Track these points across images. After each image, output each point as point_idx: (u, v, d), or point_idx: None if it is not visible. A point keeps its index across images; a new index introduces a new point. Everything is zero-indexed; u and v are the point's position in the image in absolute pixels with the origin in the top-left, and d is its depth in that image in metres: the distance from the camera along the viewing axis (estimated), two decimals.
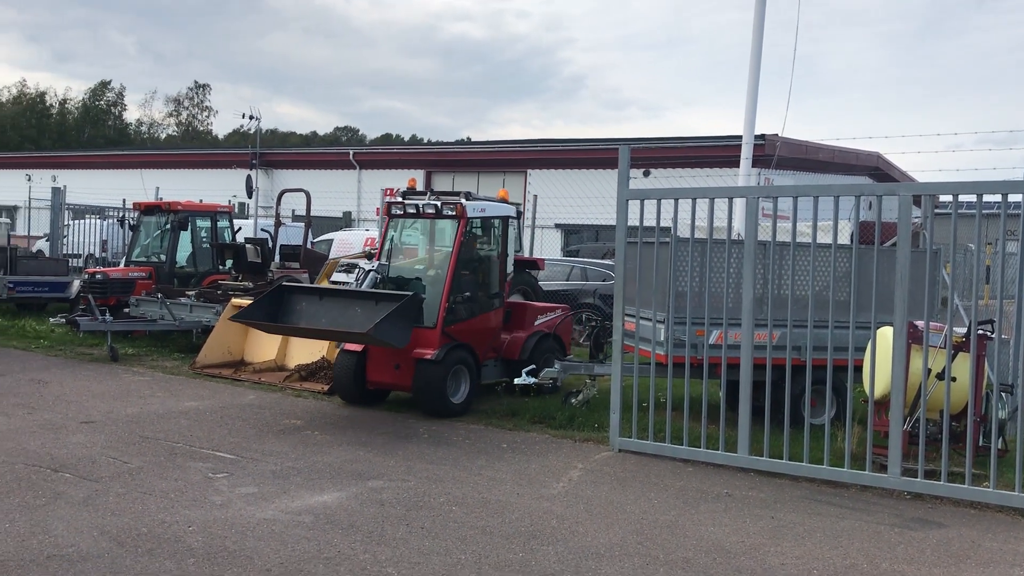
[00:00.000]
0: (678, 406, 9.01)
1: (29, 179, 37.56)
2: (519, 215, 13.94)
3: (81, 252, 21.59)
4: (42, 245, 24.36)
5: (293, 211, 26.58)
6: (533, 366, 10.43)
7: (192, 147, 59.15)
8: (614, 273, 9.07)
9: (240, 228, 19.01)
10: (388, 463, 7.83)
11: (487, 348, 10.62)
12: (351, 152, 37.07)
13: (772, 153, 23.61)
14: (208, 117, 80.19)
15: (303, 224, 18.14)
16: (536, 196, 22.09)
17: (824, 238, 8.95)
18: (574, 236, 28.97)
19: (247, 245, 15.92)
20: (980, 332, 7.62)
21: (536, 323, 11.32)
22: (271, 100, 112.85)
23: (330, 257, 17.22)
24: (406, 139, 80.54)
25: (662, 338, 8.88)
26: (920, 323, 7.58)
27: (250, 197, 24.05)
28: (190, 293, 14.30)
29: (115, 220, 21.09)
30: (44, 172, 40.94)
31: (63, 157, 46.28)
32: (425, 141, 70.06)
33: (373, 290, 9.95)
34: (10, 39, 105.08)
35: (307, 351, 11.93)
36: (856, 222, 7.83)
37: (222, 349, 12.53)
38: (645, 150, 25.70)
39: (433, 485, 7.17)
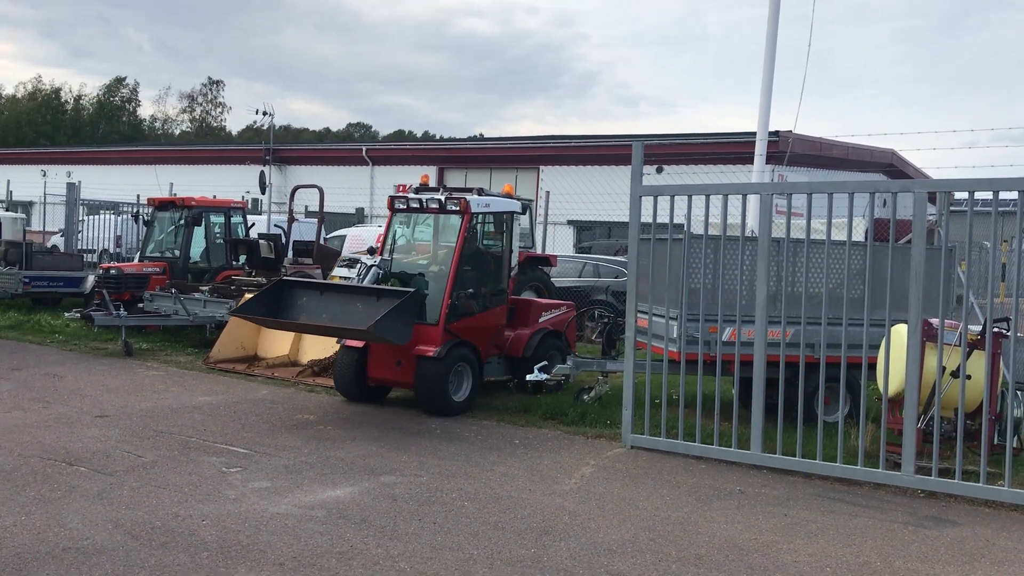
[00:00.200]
0: (691, 403, 9.00)
1: (44, 175, 37.73)
2: (524, 210, 13.84)
3: (96, 247, 21.74)
4: (57, 240, 24.50)
5: (306, 207, 26.65)
6: (545, 362, 10.42)
7: (206, 143, 59.36)
8: (627, 270, 9.06)
9: (253, 224, 19.07)
10: (400, 458, 7.84)
11: (490, 345, 10.50)
12: (364, 148, 37.13)
13: (786, 150, 23.52)
14: (222, 113, 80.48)
15: (316, 220, 18.18)
16: (548, 192, 22.08)
17: (838, 235, 8.91)
18: (586, 233, 28.95)
19: (260, 241, 15.96)
20: (995, 330, 7.58)
21: (540, 320, 11.18)
22: (284, 96, 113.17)
23: (343, 253, 17.27)
24: (418, 135, 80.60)
25: (675, 335, 8.86)
26: (935, 321, 7.54)
27: (263, 193, 24.08)
28: (204, 288, 14.35)
29: (129, 216, 21.20)
30: (59, 168, 41.18)
31: (78, 153, 46.52)
32: (437, 137, 70.16)
33: (375, 286, 9.83)
34: (26, 35, 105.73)
35: (320, 347, 11.94)
36: (871, 219, 7.79)
37: (235, 344, 12.58)
38: (658, 146, 25.65)
39: (445, 480, 7.18)
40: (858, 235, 13.33)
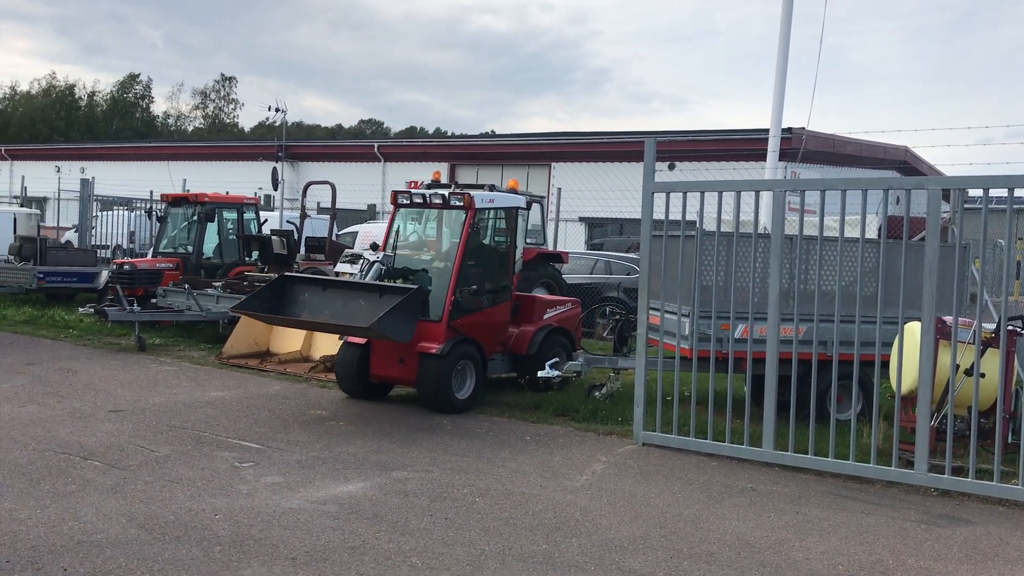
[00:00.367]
0: (702, 400, 8.98)
1: (58, 171, 37.99)
2: (529, 206, 13.73)
3: (109, 243, 21.83)
4: (71, 236, 24.63)
5: (318, 203, 26.70)
6: (557, 359, 10.40)
7: (219, 139, 59.53)
8: (639, 266, 9.04)
9: (266, 220, 19.13)
10: (412, 454, 7.86)
11: (494, 342, 10.37)
12: (376, 145, 37.19)
13: (799, 147, 23.44)
14: (234, 110, 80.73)
15: (328, 216, 18.21)
16: (560, 189, 22.05)
17: (852, 232, 8.88)
18: (598, 230, 28.91)
19: (273, 237, 16.01)
20: (1010, 328, 7.54)
21: (545, 317, 11.05)
22: (297, 93, 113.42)
23: (354, 249, 17.28)
24: (430, 132, 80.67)
25: (687, 332, 8.85)
26: (949, 318, 7.51)
27: (276, 189, 24.14)
28: (217, 284, 14.41)
29: (143, 211, 21.28)
30: (73, 164, 41.39)
31: (92, 149, 46.75)
32: (449, 134, 70.17)
33: (377, 282, 9.72)
34: (41, 32, 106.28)
35: (332, 343, 11.95)
36: (884, 216, 7.76)
37: (248, 340, 12.63)
38: (670, 143, 25.58)
39: (457, 476, 7.20)
40: (871, 232, 13.28)
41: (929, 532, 6.33)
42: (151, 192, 22.56)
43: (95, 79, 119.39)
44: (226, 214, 16.69)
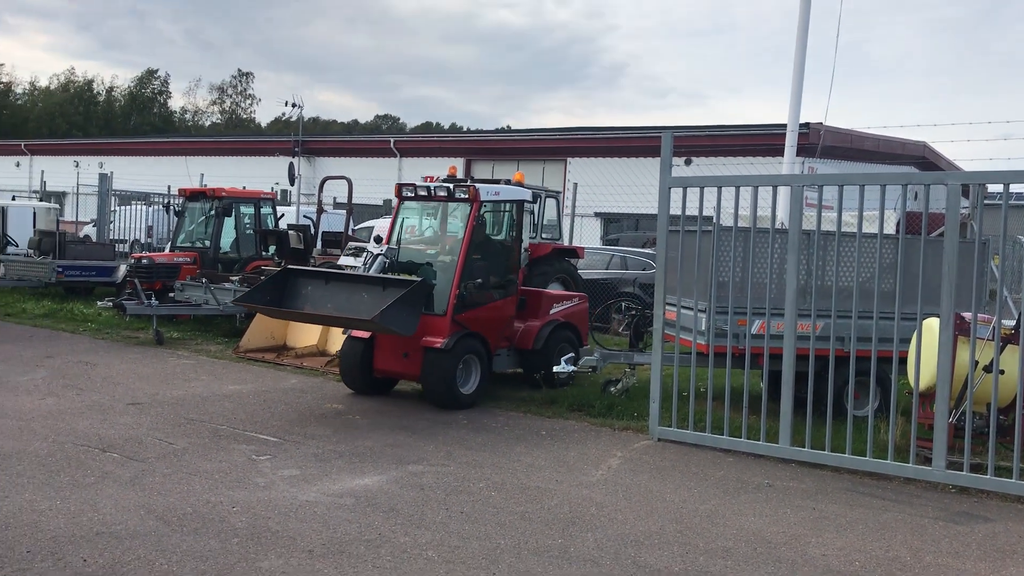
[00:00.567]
0: (718, 396, 8.96)
1: (77, 165, 38.23)
2: (535, 199, 13.64)
3: (127, 237, 21.96)
4: (89, 230, 24.81)
5: (335, 198, 26.81)
6: (572, 354, 10.39)
7: (235, 135, 59.75)
8: (655, 262, 9.02)
9: (283, 215, 19.21)
10: (428, 448, 7.88)
11: (499, 337, 10.23)
12: (392, 140, 37.24)
13: (816, 142, 23.32)
14: (251, 105, 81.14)
15: (344, 211, 18.27)
16: (576, 184, 22.02)
17: (870, 228, 8.83)
18: (613, 225, 28.86)
19: (290, 231, 16.08)
20: None
21: (552, 311, 10.91)
22: (313, 88, 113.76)
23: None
24: (446, 127, 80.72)
25: (703, 327, 8.83)
26: (967, 315, 7.46)
27: (292, 184, 24.25)
28: (234, 278, 14.48)
29: (160, 206, 21.40)
30: (91, 159, 41.67)
31: (110, 144, 47.02)
32: (465, 129, 70.16)
33: (381, 275, 9.60)
34: (61, 27, 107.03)
35: None
36: (903, 211, 7.71)
37: (265, 334, 12.68)
38: (687, 138, 25.50)
39: (472, 470, 7.21)
40: (889, 228, 13.19)
41: (947, 529, 6.30)
42: (169, 187, 22.68)
43: (113, 74, 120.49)
44: (243, 209, 16.77)
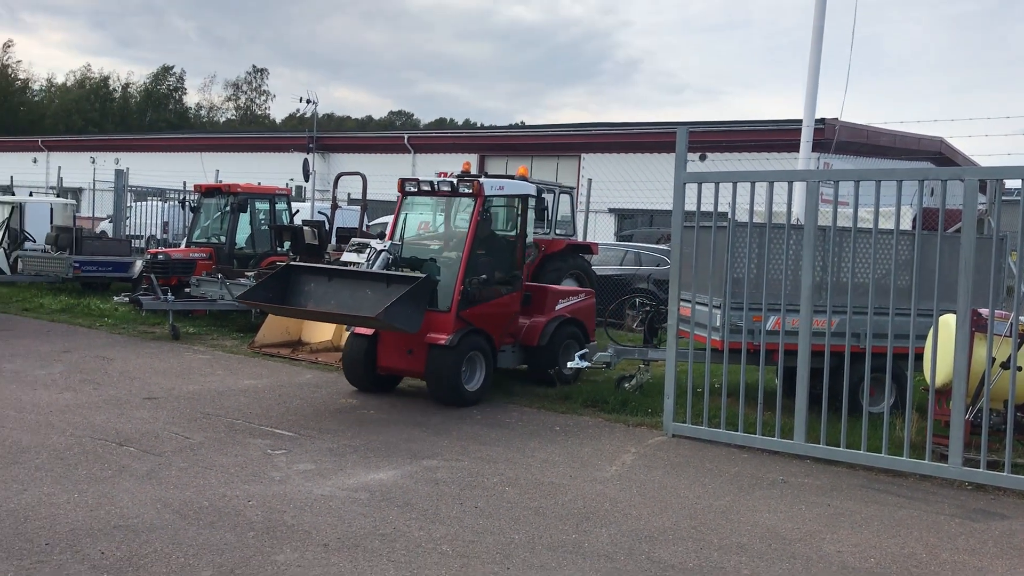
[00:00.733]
0: (733, 392, 8.93)
1: (93, 162, 38.46)
2: (539, 193, 13.54)
3: (143, 233, 22.09)
4: (106, 226, 24.97)
5: (349, 194, 26.83)
6: (586, 350, 10.37)
7: (250, 131, 59.98)
8: (670, 258, 9.00)
9: (298, 211, 19.27)
10: (442, 443, 7.90)
11: (504, 333, 10.10)
12: (406, 136, 37.29)
13: (832, 137, 23.20)
14: (266, 101, 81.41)
15: (359, 207, 18.30)
16: (590, 180, 21.99)
17: (886, 224, 8.78)
18: (628, 221, 28.82)
19: (304, 227, 16.10)
20: None
21: (557, 307, 10.73)
22: (328, 84, 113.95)
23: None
24: (460, 123, 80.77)
25: (718, 323, 8.81)
26: (984, 311, 7.41)
27: (307, 180, 24.30)
28: (249, 274, 14.53)
29: (176, 202, 21.49)
30: (107, 155, 41.90)
31: (126, 140, 47.27)
32: (479, 125, 70.18)
33: (384, 271, 9.46)
34: (76, 25, 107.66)
35: None
36: (919, 207, 7.67)
37: (280, 329, 12.73)
38: (702, 134, 25.41)
39: (486, 465, 7.22)
40: (905, 224, 13.11)
41: (963, 526, 6.27)
42: (184, 183, 22.75)
43: (129, 71, 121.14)
44: (258, 205, 16.83)
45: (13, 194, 25.45)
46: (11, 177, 32.09)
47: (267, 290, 9.45)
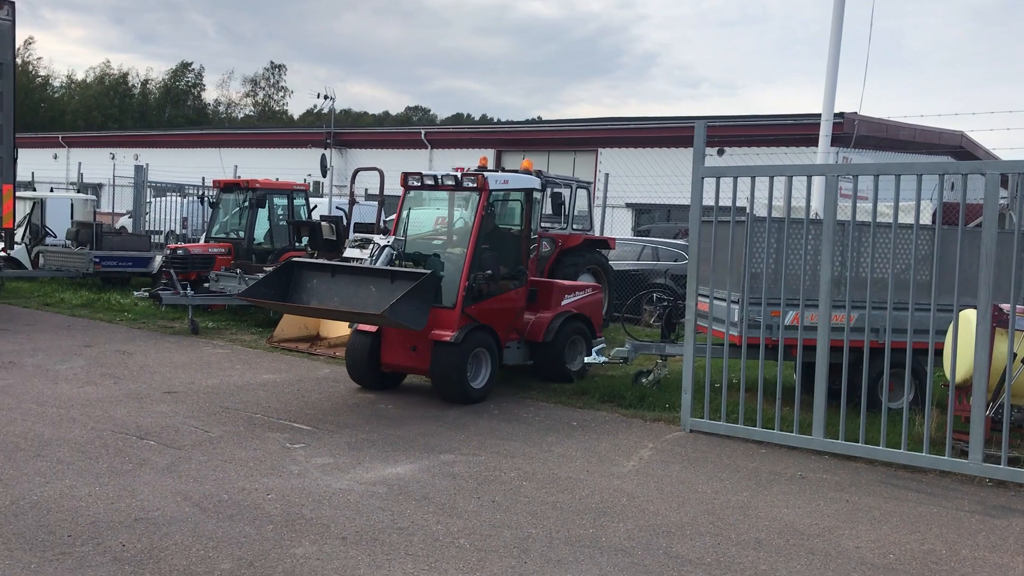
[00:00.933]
0: (751, 388, 8.91)
1: (113, 158, 38.70)
2: (544, 187, 13.47)
3: (163, 228, 22.22)
4: (125, 222, 25.12)
5: (366, 190, 26.91)
6: (603, 344, 10.35)
7: (268, 127, 60.22)
8: (688, 252, 8.97)
9: (315, 206, 19.33)
10: (459, 437, 7.92)
11: (509, 329, 9.98)
12: (423, 131, 37.34)
13: (850, 132, 23.06)
14: (284, 97, 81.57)
15: (376, 202, 18.34)
16: (607, 175, 21.95)
17: (905, 218, 8.72)
18: (645, 216, 28.75)
19: (322, 223, 16.14)
20: None
21: (563, 303, 10.60)
22: (345, 80, 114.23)
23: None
24: (477, 119, 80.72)
25: (736, 318, 8.78)
26: (1006, 306, 7.36)
27: (324, 176, 24.34)
28: (268, 269, 14.58)
29: (195, 197, 21.62)
30: (127, 151, 42.16)
31: (145, 136, 47.57)
32: (496, 120, 70.15)
33: (389, 267, 9.35)
34: (96, 21, 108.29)
35: None
36: (939, 202, 7.61)
37: (298, 324, 12.79)
38: (720, 128, 25.31)
39: (504, 460, 7.24)
40: (925, 218, 13.01)
41: (983, 523, 6.23)
42: (203, 178, 22.91)
43: (148, 67, 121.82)
44: (276, 200, 16.89)
45: (34, 190, 25.65)
46: (32, 173, 32.33)
47: (269, 287, 9.30)
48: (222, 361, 11.20)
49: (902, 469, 7.47)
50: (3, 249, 17.33)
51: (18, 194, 16.41)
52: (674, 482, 6.88)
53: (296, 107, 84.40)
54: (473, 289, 9.34)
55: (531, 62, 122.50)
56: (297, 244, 16.71)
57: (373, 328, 9.54)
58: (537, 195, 10.60)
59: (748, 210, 8.42)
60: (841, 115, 22.36)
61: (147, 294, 14.32)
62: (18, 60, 17.79)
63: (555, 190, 14.17)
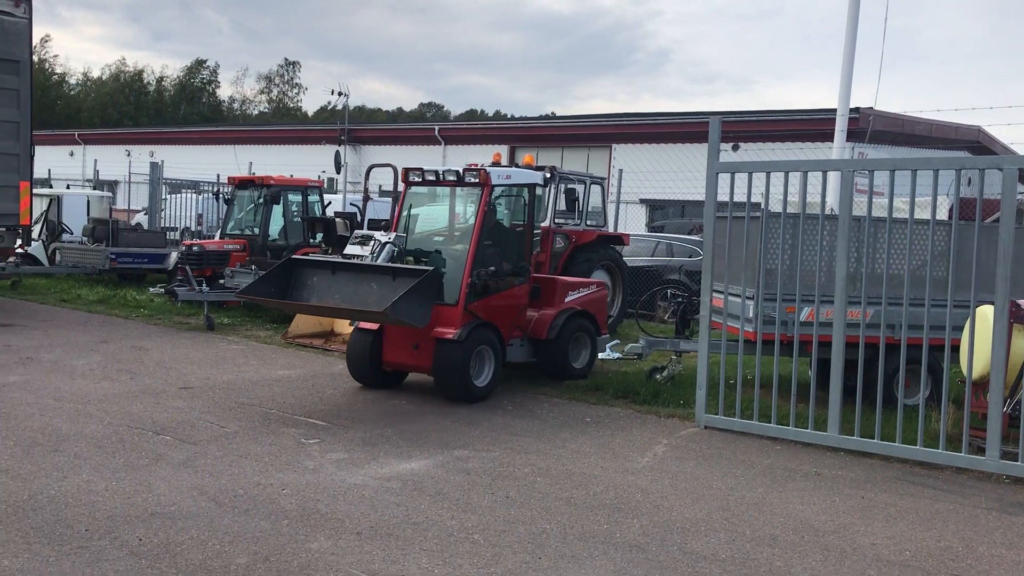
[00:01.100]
0: (766, 384, 8.88)
1: (128, 155, 38.87)
2: (546, 183, 13.34)
3: (178, 225, 22.33)
4: (141, 218, 25.24)
5: (380, 186, 26.96)
6: (616, 341, 10.33)
7: (283, 123, 60.35)
8: (702, 248, 8.95)
9: (330, 202, 19.36)
10: (473, 433, 7.93)
11: (512, 326, 9.87)
12: (436, 128, 37.34)
13: (866, 127, 22.92)
14: (298, 94, 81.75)
15: (390, 198, 18.36)
16: (621, 171, 21.90)
17: (922, 214, 8.67)
18: (659, 212, 28.68)
19: (336, 219, 16.21)
20: None
21: (567, 299, 10.48)
22: (359, 77, 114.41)
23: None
24: (490, 115, 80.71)
25: (751, 315, 8.75)
26: (1023, 302, 7.31)
27: (339, 172, 24.45)
28: None
29: (210, 194, 21.71)
30: (142, 148, 42.34)
31: (160, 133, 47.77)
32: (509, 116, 70.12)
33: (390, 264, 9.21)
34: (112, 19, 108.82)
35: None
36: (956, 197, 7.56)
37: (313, 320, 12.82)
38: (735, 123, 25.20)
39: (517, 456, 7.24)
40: (942, 214, 12.93)
41: (1001, 520, 6.19)
42: (218, 175, 23.00)
43: (163, 64, 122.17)
44: (291, 196, 16.94)
45: (51, 187, 25.82)
46: (49, 170, 32.54)
47: (269, 284, 9.16)
48: (237, 357, 11.25)
49: (918, 466, 7.44)
50: (20, 246, 17.44)
51: (35, 191, 16.53)
52: (688, 478, 6.87)
53: (310, 104, 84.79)
54: (476, 286, 9.21)
55: (544, 57, 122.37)
56: (312, 240, 16.75)
57: (374, 326, 9.45)
58: (540, 190, 10.45)
59: (763, 206, 8.39)
60: (857, 110, 22.22)
61: (163, 290, 14.40)
62: (35, 58, 17.87)
63: (569, 186, 14.15)
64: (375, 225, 16.57)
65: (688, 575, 5.03)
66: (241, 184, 17.02)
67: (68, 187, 26.99)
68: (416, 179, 9.80)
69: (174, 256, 17.71)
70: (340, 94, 34.90)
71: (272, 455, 6.95)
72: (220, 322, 13.88)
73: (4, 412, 7.91)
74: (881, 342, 7.74)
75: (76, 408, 8.18)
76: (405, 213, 9.99)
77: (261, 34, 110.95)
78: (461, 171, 9.48)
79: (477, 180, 9.35)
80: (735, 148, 24.92)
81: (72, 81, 76.04)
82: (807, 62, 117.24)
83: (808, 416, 8.05)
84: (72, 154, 46.60)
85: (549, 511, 5.95)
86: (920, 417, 7.54)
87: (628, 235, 16.64)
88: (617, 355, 10.11)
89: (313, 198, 17.20)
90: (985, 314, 7.50)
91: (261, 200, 16.43)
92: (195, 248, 16.02)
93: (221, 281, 14.66)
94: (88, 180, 34.81)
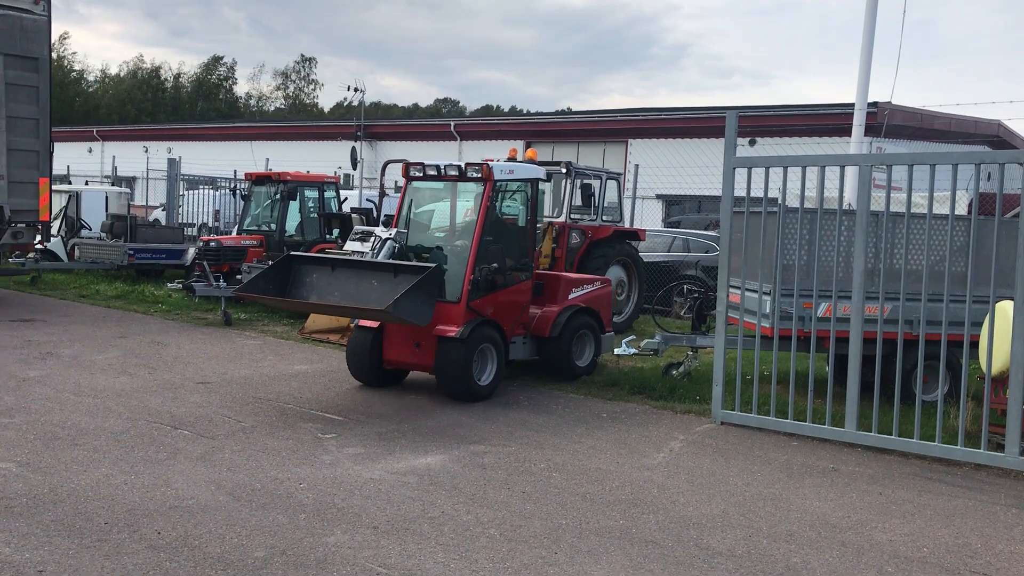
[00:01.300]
0: (782, 380, 8.85)
1: (146, 151, 39.17)
2: (549, 177, 13.19)
3: (195, 221, 22.45)
4: (159, 214, 25.41)
5: (396, 182, 27.00)
6: (632, 336, 10.31)
7: (299, 120, 60.58)
8: (719, 244, 8.92)
9: (346, 198, 19.42)
10: (489, 428, 7.94)
11: (515, 324, 9.70)
12: (452, 123, 37.38)
13: (884, 121, 22.77)
14: (314, 90, 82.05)
15: None
16: (637, 166, 21.85)
17: (940, 208, 8.61)
18: (675, 207, 28.60)
19: (353, 215, 16.25)
20: None
21: (570, 296, 10.34)
22: (375, 73, 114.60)
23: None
24: (506, 110, 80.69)
25: (768, 310, 8.72)
26: None
27: (355, 168, 24.48)
28: None
29: (227, 190, 21.80)
30: (160, 144, 42.64)
31: (178, 130, 48.06)
32: (525, 112, 70.05)
33: (391, 261, 9.06)
34: (130, 16, 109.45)
35: None
36: (975, 192, 7.51)
37: (329, 316, 12.86)
38: (752, 118, 25.10)
39: (534, 451, 7.25)
40: (961, 209, 12.83)
41: (1020, 516, 6.15)
42: (235, 171, 23.10)
43: (180, 61, 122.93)
44: (307, 192, 16.99)
45: (70, 183, 26.00)
46: (68, 166, 32.78)
47: (267, 282, 8.96)
48: (254, 352, 11.31)
49: (936, 462, 7.39)
50: (40, 242, 17.58)
51: (54, 187, 16.65)
52: (705, 474, 6.86)
53: (326, 100, 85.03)
54: (478, 283, 9.06)
55: (560, 52, 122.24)
56: (328, 236, 16.80)
57: (375, 324, 9.31)
58: (543, 186, 10.29)
59: (780, 201, 8.35)
60: (875, 104, 22.09)
61: (180, 286, 14.48)
62: (54, 55, 17.97)
63: (585, 181, 14.13)
64: (391, 221, 16.61)
65: (704, 571, 5.03)
66: (258, 180, 17.08)
67: (87, 183, 27.21)
68: (417, 174, 9.64)
69: (191, 252, 17.81)
70: (356, 90, 34.97)
71: (289, 450, 6.98)
72: (237, 317, 13.94)
73: (25, 407, 7.98)
74: (899, 338, 7.70)
75: (95, 403, 8.25)
76: (406, 209, 9.87)
77: (278, 31, 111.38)
78: (463, 165, 9.34)
79: (479, 175, 9.19)
80: (752, 143, 24.83)
81: (90, 78, 76.63)
82: (825, 56, 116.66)
83: (825, 412, 8.01)
84: (90, 151, 46.93)
85: (565, 506, 5.95)
86: (938, 413, 7.49)
87: (644, 231, 16.59)
88: (633, 351, 10.09)
89: (329, 194, 17.25)
90: (1005, 309, 7.45)
91: (278, 196, 16.49)
92: (212, 244, 16.09)
93: (238, 277, 14.73)
94: (106, 176, 35.03)
